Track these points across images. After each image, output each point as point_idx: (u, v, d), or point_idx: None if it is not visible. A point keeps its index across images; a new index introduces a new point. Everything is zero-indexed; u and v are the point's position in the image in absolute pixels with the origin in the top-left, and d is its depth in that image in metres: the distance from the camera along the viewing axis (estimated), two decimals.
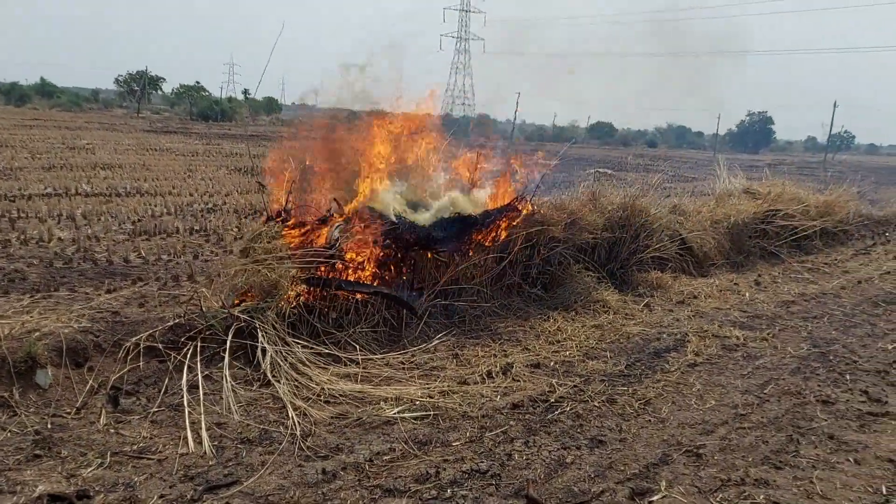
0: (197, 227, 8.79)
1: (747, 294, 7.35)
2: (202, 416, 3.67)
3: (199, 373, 4.08)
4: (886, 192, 19.30)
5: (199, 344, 4.32)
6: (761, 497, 3.20)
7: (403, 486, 3.14)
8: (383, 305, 5.30)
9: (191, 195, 11.41)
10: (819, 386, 4.72)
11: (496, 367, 4.67)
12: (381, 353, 4.86)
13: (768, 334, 5.87)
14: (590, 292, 6.47)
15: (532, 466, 3.39)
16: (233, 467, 3.23)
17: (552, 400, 4.21)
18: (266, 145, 23.03)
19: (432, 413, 3.92)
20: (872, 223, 12.27)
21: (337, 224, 5.38)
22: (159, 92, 55.94)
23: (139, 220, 8.91)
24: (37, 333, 4.02)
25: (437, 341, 5.18)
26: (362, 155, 6.06)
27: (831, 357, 5.37)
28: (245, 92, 60.51)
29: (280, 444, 3.49)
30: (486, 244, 6.14)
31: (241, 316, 4.52)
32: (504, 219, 6.30)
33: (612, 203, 7.45)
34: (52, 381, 3.80)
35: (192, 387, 3.95)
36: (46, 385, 3.76)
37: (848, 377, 4.93)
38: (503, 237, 6.25)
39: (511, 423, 3.88)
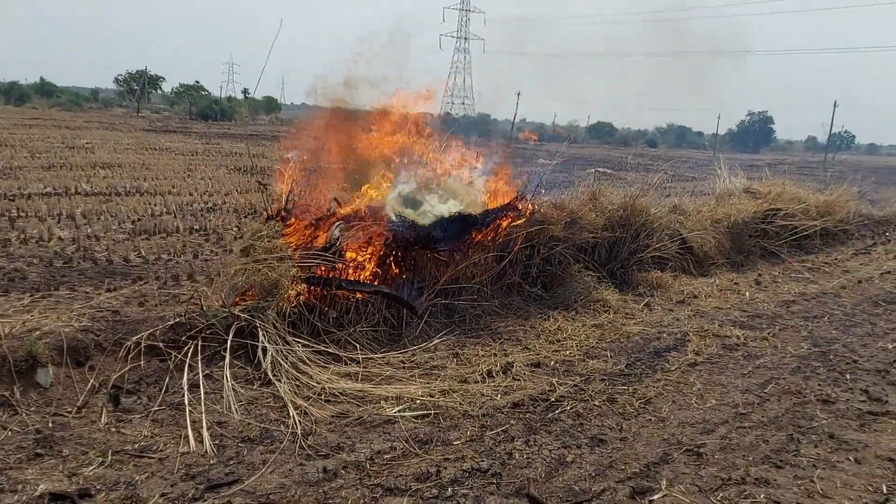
0: (197, 227, 8.79)
1: (747, 293, 7.35)
2: (203, 414, 3.67)
3: (199, 372, 4.08)
4: (887, 191, 19.31)
5: (199, 343, 4.32)
6: (762, 496, 3.20)
7: (404, 484, 3.14)
8: (384, 305, 5.30)
9: (190, 194, 11.41)
10: (819, 385, 4.72)
11: (497, 366, 4.67)
12: (381, 353, 4.86)
13: (769, 334, 5.87)
14: (590, 292, 6.47)
15: (533, 465, 3.39)
16: (234, 466, 3.24)
17: (553, 399, 4.21)
18: (266, 144, 23.05)
19: (433, 412, 3.92)
20: (873, 223, 12.28)
21: (337, 223, 5.38)
22: (159, 91, 55.95)
23: (139, 220, 8.91)
24: (37, 332, 4.02)
25: (437, 340, 5.18)
26: (362, 154, 6.06)
27: (832, 356, 5.37)
28: (244, 91, 60.58)
29: (281, 442, 3.49)
30: (487, 243, 6.14)
31: (242, 315, 4.52)
32: (504, 218, 6.30)
33: (612, 202, 7.45)
34: (53, 380, 3.80)
35: (193, 386, 3.96)
36: (47, 384, 3.76)
37: (848, 376, 4.93)
38: (503, 236, 6.25)
39: (512, 422, 3.88)
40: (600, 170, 19.52)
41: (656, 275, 7.44)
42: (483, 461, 3.38)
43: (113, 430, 3.48)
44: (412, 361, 4.78)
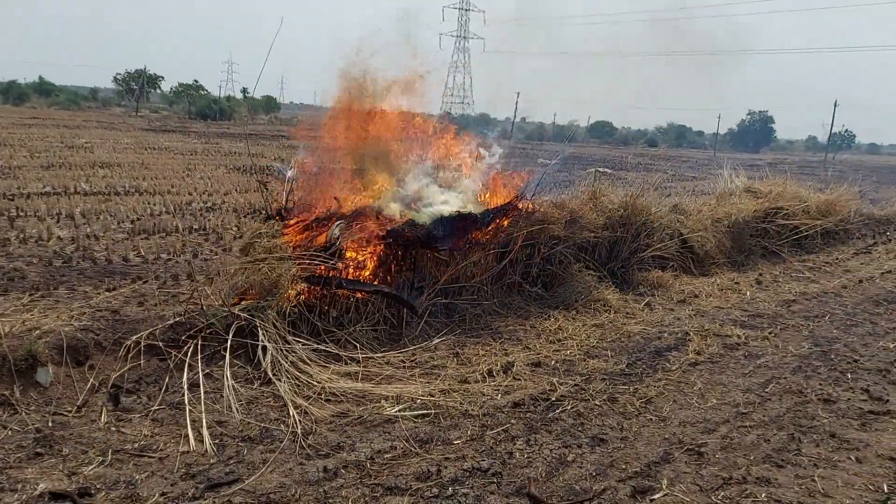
0: (196, 226, 8.78)
1: (748, 293, 7.34)
2: (203, 414, 3.67)
3: (199, 371, 4.07)
4: (887, 191, 19.33)
5: (199, 342, 4.31)
6: (763, 495, 3.19)
7: (405, 484, 3.13)
8: (384, 304, 5.29)
9: (190, 194, 11.40)
10: (820, 384, 4.72)
11: (497, 365, 4.67)
12: (381, 352, 4.85)
13: (769, 333, 5.86)
14: (590, 291, 6.47)
15: (533, 465, 3.38)
16: (234, 465, 3.23)
17: (553, 398, 4.20)
18: (265, 144, 23.05)
19: (433, 411, 3.92)
20: (873, 222, 12.29)
21: (337, 223, 5.37)
22: (158, 90, 55.97)
23: (138, 219, 8.90)
24: (37, 332, 4.01)
25: (437, 340, 5.17)
26: (362, 153, 6.05)
27: (833, 356, 5.36)
28: (244, 91, 60.54)
29: (281, 442, 3.48)
30: (487, 243, 6.13)
31: (242, 314, 4.51)
32: (504, 217, 6.29)
33: (612, 202, 7.45)
34: (53, 380, 3.79)
35: (193, 385, 3.95)
36: (47, 383, 3.76)
37: (849, 376, 4.93)
38: (503, 236, 6.24)
39: (512, 421, 3.87)
40: (600, 169, 19.52)
41: (657, 274, 7.43)
42: (484, 460, 3.38)
43: (113, 429, 3.47)
44: (412, 361, 4.78)
